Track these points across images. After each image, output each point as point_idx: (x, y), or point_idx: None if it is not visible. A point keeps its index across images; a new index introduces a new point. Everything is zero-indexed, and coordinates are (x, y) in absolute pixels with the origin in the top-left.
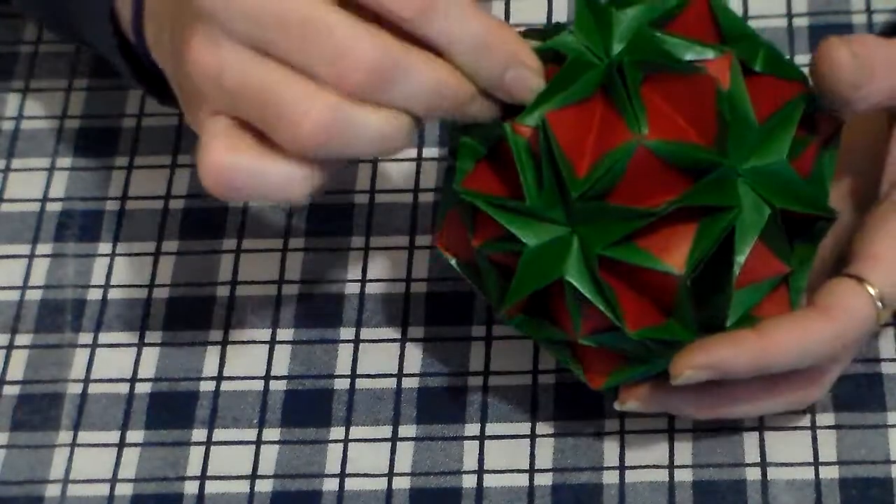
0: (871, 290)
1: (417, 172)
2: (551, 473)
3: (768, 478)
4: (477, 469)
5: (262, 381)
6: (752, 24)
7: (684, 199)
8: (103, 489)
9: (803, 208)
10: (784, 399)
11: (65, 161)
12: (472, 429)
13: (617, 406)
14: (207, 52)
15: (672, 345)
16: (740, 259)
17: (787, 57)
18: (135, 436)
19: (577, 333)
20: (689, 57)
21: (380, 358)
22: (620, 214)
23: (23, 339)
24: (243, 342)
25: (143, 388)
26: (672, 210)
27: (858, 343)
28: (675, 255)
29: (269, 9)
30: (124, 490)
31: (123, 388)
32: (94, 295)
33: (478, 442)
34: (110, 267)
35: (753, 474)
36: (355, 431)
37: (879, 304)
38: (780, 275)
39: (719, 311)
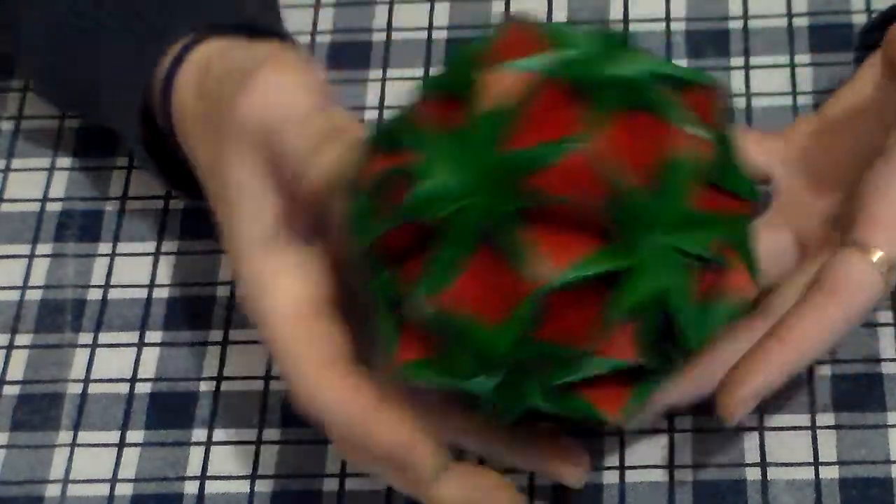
0: (877, 256)
1: None
2: None
3: (768, 478)
4: None
5: (262, 381)
6: (752, 24)
7: (613, 314)
8: (103, 489)
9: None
10: None
11: (65, 161)
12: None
13: (730, 422)
14: None
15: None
16: (694, 349)
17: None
18: (135, 436)
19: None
20: (541, 168)
21: None
22: (553, 351)
23: (23, 339)
24: (243, 342)
25: (143, 388)
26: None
27: (870, 308)
28: (625, 349)
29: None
30: (124, 490)
31: (123, 388)
32: (94, 295)
33: None
34: (110, 267)
35: (753, 474)
36: None
37: (885, 270)
38: (629, 363)
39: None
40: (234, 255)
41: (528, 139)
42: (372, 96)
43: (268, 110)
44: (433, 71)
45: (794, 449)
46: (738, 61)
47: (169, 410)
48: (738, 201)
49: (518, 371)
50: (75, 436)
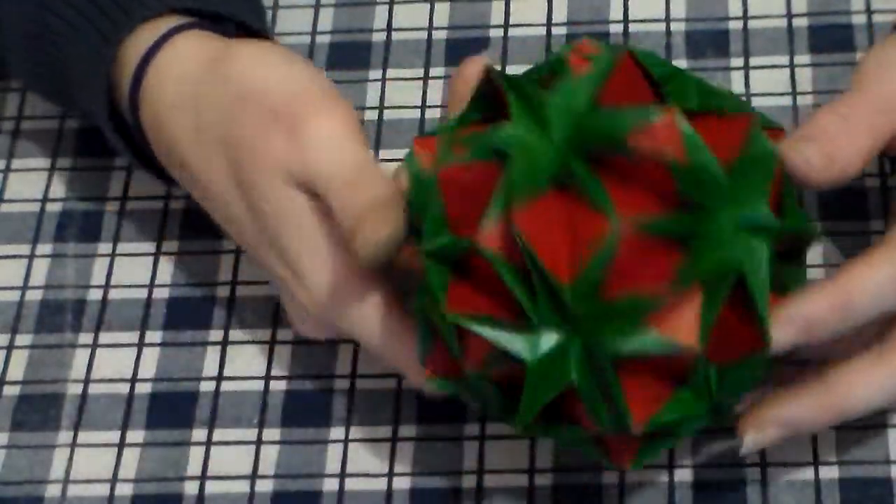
0: None
1: None
2: (551, 473)
3: (768, 478)
4: (477, 469)
5: (262, 381)
6: (752, 24)
7: (684, 276)
8: (103, 489)
9: (794, 238)
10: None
11: (65, 161)
12: (472, 429)
13: (744, 451)
14: None
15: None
16: (764, 316)
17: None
18: (135, 436)
19: (603, 429)
20: (633, 127)
21: None
22: (619, 310)
23: (23, 339)
24: (243, 342)
25: (143, 388)
26: (679, 287)
27: None
28: (684, 330)
29: None
30: (124, 490)
31: (123, 388)
32: (94, 295)
33: (478, 442)
34: (110, 267)
35: (753, 474)
36: (355, 431)
37: None
38: (685, 346)
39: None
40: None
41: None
42: (372, 96)
43: (315, 157)
44: (433, 71)
45: (794, 449)
46: (738, 61)
47: (169, 410)
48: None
49: (572, 334)
50: (75, 436)
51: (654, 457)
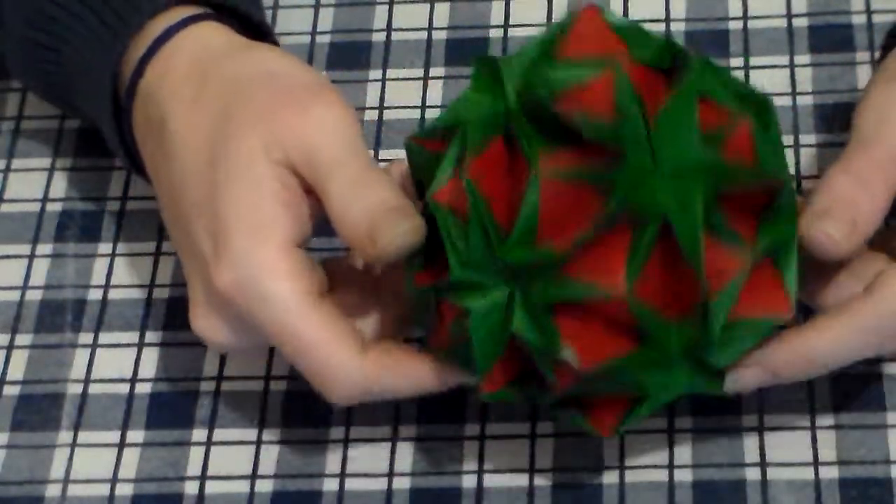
0: None
1: None
2: (551, 473)
3: (768, 478)
4: (477, 469)
5: (262, 381)
6: (752, 24)
7: (605, 220)
8: (103, 489)
9: (745, 183)
10: None
11: (65, 161)
12: (472, 429)
13: (726, 388)
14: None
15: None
16: (697, 263)
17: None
18: (135, 436)
19: (556, 389)
20: (569, 82)
21: None
22: (548, 258)
23: (23, 339)
24: None
25: (143, 388)
26: (601, 232)
27: None
28: (610, 274)
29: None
30: (124, 490)
31: (123, 388)
32: (94, 295)
33: (478, 442)
34: (110, 267)
35: (753, 474)
36: (355, 431)
37: None
38: (741, 269)
39: (699, 326)
40: (223, 230)
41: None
42: (372, 96)
43: (322, 140)
44: (433, 71)
45: (794, 449)
46: (738, 61)
47: (169, 410)
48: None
49: (514, 285)
50: (75, 436)
51: (634, 422)
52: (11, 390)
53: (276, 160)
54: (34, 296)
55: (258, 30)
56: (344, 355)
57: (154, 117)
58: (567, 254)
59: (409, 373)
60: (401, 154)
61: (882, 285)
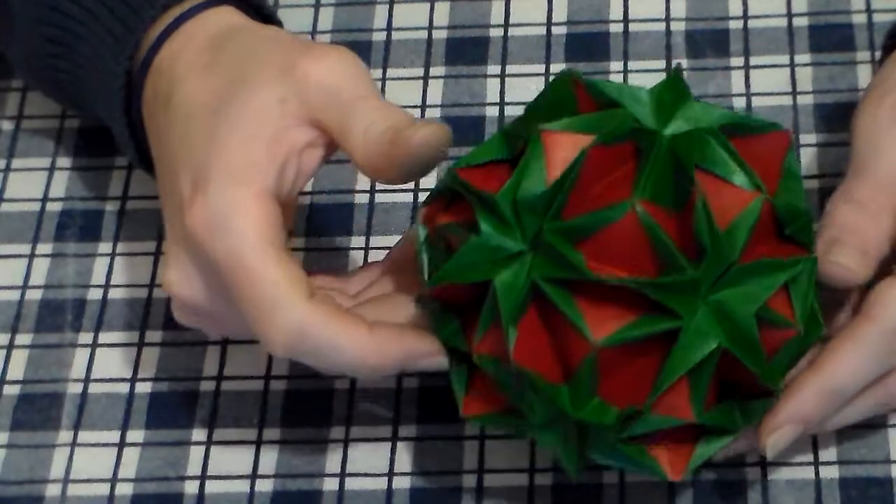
0: None
1: None
2: (551, 473)
3: (768, 478)
4: (477, 469)
5: (262, 381)
6: (752, 24)
7: (641, 283)
8: (103, 489)
9: (752, 367)
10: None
11: (65, 161)
12: (472, 429)
13: (770, 456)
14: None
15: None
16: (658, 390)
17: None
18: (135, 436)
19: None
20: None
21: None
22: (569, 261)
23: (23, 339)
24: (243, 342)
25: (143, 388)
26: (624, 287)
27: None
28: (601, 326)
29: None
30: (124, 490)
31: (123, 388)
32: (94, 295)
33: (478, 442)
34: (110, 267)
35: (753, 474)
36: (355, 431)
37: None
38: (686, 421)
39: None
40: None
41: (579, 207)
42: None
43: (341, 82)
44: (433, 71)
45: (794, 449)
46: (738, 61)
47: (169, 410)
48: (800, 247)
49: (581, 427)
50: (75, 436)
51: (706, 459)
52: (11, 390)
53: (291, 112)
54: (34, 295)
55: (269, 21)
56: (288, 295)
57: (163, 89)
58: (640, 408)
59: (349, 333)
60: None
61: (879, 305)
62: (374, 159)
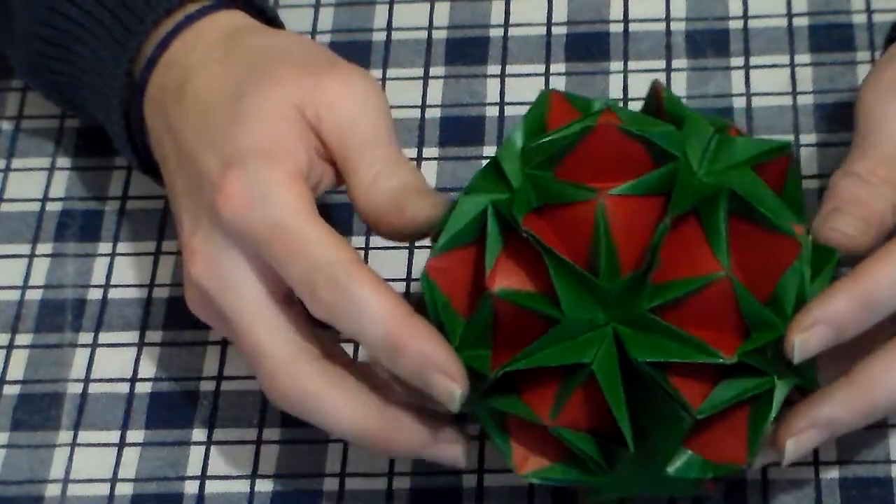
0: None
1: None
2: None
3: (768, 478)
4: (477, 469)
5: None
6: (752, 23)
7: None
8: (103, 489)
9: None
10: None
11: (65, 161)
12: (472, 429)
13: (787, 461)
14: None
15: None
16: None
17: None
18: (135, 436)
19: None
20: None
21: None
22: (672, 332)
23: (23, 339)
24: None
25: (143, 388)
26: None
27: None
28: (695, 398)
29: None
30: (124, 490)
31: (123, 388)
32: (94, 295)
33: (477, 442)
34: (110, 267)
35: (753, 474)
36: None
37: None
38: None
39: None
40: (229, 164)
41: (662, 275)
42: None
43: (360, 112)
44: (433, 71)
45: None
46: (738, 61)
47: (169, 410)
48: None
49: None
50: (75, 436)
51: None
52: (11, 390)
53: (306, 119)
54: (34, 295)
55: (272, 24)
56: (339, 251)
57: (174, 81)
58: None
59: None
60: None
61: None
62: (375, 215)
